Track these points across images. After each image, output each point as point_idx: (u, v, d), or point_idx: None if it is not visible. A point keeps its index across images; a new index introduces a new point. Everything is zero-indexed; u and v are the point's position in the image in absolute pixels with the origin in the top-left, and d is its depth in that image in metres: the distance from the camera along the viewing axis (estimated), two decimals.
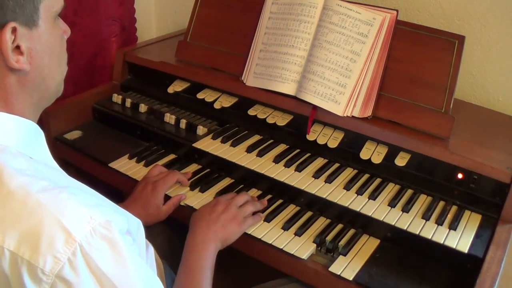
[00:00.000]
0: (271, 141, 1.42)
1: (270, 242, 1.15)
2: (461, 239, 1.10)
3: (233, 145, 1.39)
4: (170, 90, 1.59)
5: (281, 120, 1.42)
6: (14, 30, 0.77)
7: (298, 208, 1.28)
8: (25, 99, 0.84)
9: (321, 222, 1.24)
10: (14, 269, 0.72)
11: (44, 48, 0.83)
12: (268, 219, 1.22)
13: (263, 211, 1.24)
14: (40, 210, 0.72)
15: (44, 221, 0.71)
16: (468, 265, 1.08)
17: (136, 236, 0.90)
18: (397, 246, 1.16)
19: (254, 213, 1.22)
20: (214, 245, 1.10)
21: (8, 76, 0.80)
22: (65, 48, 0.91)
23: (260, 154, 1.35)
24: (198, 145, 1.40)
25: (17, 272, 0.71)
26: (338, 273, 1.07)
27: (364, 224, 1.20)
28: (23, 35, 0.79)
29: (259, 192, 1.33)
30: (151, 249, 1.08)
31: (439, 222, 1.14)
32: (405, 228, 1.13)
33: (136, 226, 0.93)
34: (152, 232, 1.21)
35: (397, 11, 1.33)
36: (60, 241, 0.70)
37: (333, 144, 1.33)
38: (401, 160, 1.26)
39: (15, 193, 0.73)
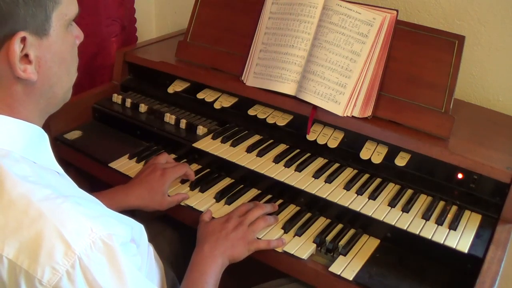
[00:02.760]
0: (271, 141, 1.42)
1: None
2: (461, 239, 1.10)
3: (233, 145, 1.39)
4: (170, 90, 1.59)
5: (281, 120, 1.42)
6: (23, 40, 0.76)
7: (298, 208, 1.28)
8: (32, 105, 0.83)
9: (321, 222, 1.24)
10: (12, 278, 0.71)
11: (54, 57, 0.82)
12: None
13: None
14: (41, 219, 0.71)
15: (44, 232, 0.71)
16: (468, 265, 1.08)
17: (139, 241, 0.90)
18: (397, 246, 1.16)
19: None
20: (221, 262, 1.08)
21: (15, 84, 0.79)
22: (76, 54, 0.90)
23: (260, 154, 1.35)
24: (198, 145, 1.40)
25: (15, 280, 0.71)
26: (338, 273, 1.07)
27: (364, 224, 1.20)
28: (33, 44, 0.78)
29: (259, 192, 1.33)
30: (151, 249, 1.08)
31: (439, 222, 1.14)
32: (405, 228, 1.13)
33: (139, 231, 0.93)
34: (152, 232, 1.21)
35: (397, 11, 1.33)
36: (60, 252, 0.70)
37: (333, 144, 1.33)
38: (401, 160, 1.26)
39: (17, 201, 0.73)
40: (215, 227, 1.13)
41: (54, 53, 0.82)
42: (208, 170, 1.40)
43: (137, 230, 0.91)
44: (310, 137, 1.36)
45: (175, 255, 1.30)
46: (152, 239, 1.12)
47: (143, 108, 1.59)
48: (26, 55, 0.78)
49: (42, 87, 0.83)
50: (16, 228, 0.72)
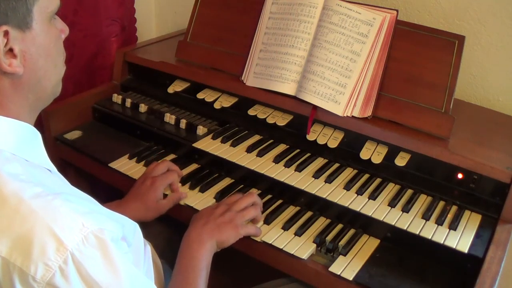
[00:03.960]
0: (271, 141, 1.42)
1: (270, 242, 1.15)
2: (461, 239, 1.10)
3: (233, 145, 1.39)
4: (170, 90, 1.59)
5: (281, 120, 1.42)
6: (6, 34, 0.76)
7: (298, 208, 1.28)
8: (20, 101, 0.83)
9: (321, 222, 1.24)
10: (6, 275, 0.72)
11: (39, 50, 0.82)
12: (268, 220, 1.21)
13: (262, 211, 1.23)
14: (32, 217, 0.72)
15: (36, 228, 0.71)
16: (468, 265, 1.08)
17: (132, 240, 0.90)
18: (397, 246, 1.16)
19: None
20: (210, 246, 1.08)
21: (1, 79, 0.80)
22: (62, 48, 0.90)
23: (260, 154, 1.35)
24: (198, 145, 1.40)
25: (9, 278, 0.71)
26: (338, 273, 1.07)
27: (364, 224, 1.20)
28: (16, 38, 0.78)
29: (259, 192, 1.33)
30: (149, 248, 1.08)
31: (439, 222, 1.14)
32: (405, 228, 1.13)
33: (133, 229, 0.92)
34: (151, 232, 1.21)
35: (397, 11, 1.33)
36: (52, 249, 0.70)
37: (333, 144, 1.33)
38: (401, 160, 1.26)
39: (8, 199, 0.73)
40: (204, 213, 1.15)
41: (38, 46, 0.82)
42: (208, 170, 1.40)
43: (130, 228, 0.90)
44: (310, 137, 1.36)
45: (174, 255, 1.30)
46: (152, 239, 1.12)
47: (143, 108, 1.59)
48: (11, 50, 0.78)
49: (30, 81, 0.83)
50: (7, 226, 0.72)
